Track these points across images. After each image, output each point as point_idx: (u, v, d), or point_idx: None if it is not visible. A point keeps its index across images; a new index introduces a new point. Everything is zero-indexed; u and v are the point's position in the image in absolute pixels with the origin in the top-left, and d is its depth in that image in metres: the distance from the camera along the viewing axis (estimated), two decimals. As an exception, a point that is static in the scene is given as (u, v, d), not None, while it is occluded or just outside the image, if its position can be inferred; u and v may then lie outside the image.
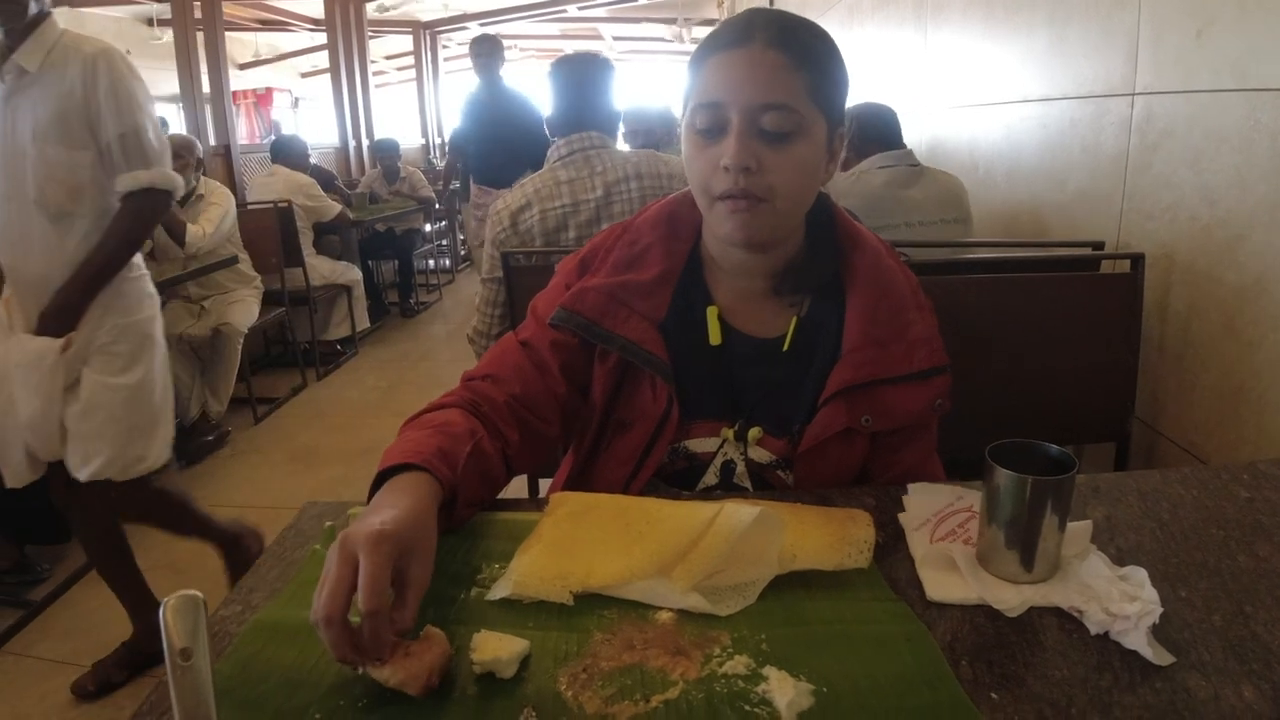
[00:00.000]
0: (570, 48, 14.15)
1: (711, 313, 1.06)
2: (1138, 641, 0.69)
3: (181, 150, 3.75)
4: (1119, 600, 0.73)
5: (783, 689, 0.64)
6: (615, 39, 13.64)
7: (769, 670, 0.67)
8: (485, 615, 0.75)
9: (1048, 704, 0.64)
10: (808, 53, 0.93)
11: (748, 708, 0.63)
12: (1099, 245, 1.89)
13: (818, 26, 0.98)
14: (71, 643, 2.40)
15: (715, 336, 1.05)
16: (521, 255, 1.93)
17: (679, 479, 1.08)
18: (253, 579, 0.84)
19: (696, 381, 1.05)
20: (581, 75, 2.14)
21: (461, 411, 0.98)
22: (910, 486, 0.89)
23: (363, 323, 5.49)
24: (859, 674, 0.67)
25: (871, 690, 0.65)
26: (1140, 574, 0.76)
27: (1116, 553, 0.84)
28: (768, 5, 5.91)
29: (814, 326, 1.06)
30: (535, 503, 0.98)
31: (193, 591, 0.43)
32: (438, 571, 0.82)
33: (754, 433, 1.05)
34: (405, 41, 10.88)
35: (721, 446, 1.06)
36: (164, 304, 3.76)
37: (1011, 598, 0.75)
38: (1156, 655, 0.68)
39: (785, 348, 1.05)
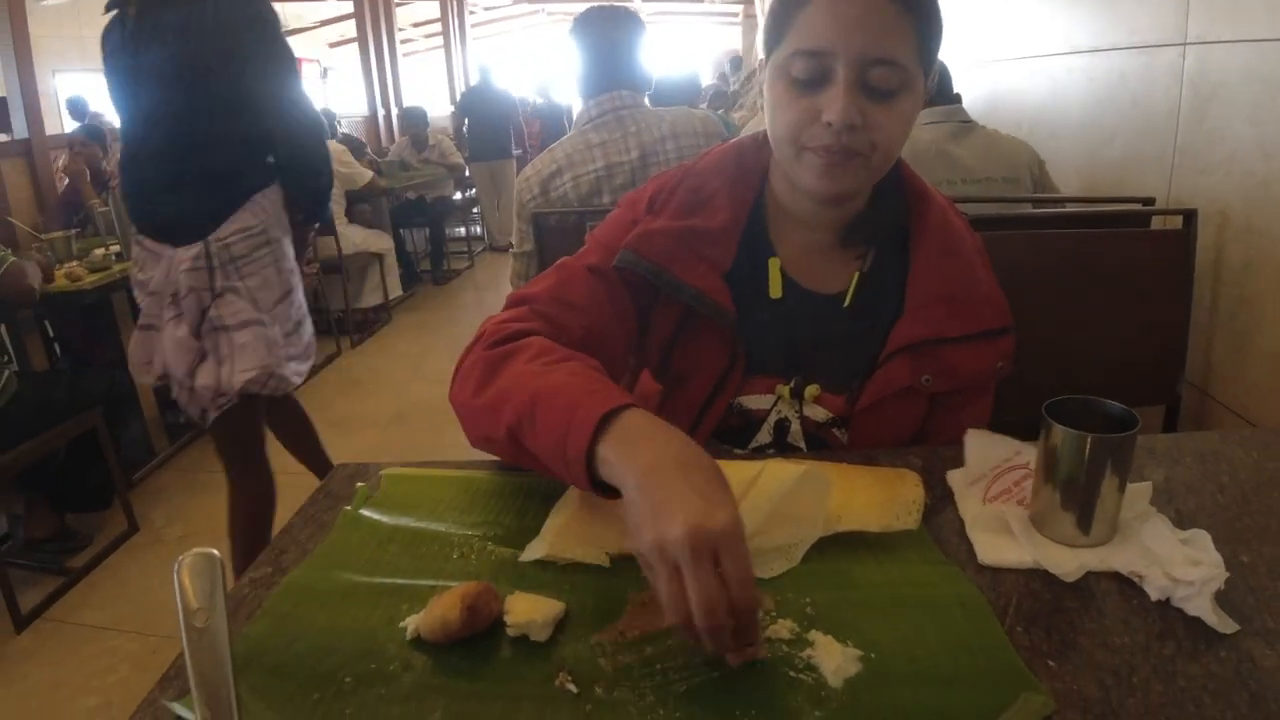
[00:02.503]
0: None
1: (773, 264, 1.01)
2: (1201, 608, 0.66)
3: None
4: (1182, 565, 0.69)
5: (829, 654, 0.62)
6: (644, 0, 13.47)
7: (814, 635, 0.64)
8: (522, 577, 0.73)
9: (1109, 672, 0.61)
10: (920, 1, 0.87)
11: (793, 673, 0.61)
12: (1149, 201, 1.83)
13: None
14: (112, 609, 2.45)
15: (776, 289, 1.01)
16: (555, 216, 1.89)
17: (731, 437, 1.05)
18: (284, 540, 0.82)
19: (755, 335, 1.01)
20: (610, 31, 2.03)
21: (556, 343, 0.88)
22: (971, 432, 0.85)
23: (395, 290, 5.52)
24: (910, 640, 0.64)
25: (924, 657, 0.62)
26: (1204, 538, 0.73)
27: (1175, 516, 0.80)
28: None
29: (877, 281, 1.02)
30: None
31: (210, 550, 0.41)
32: (470, 536, 0.80)
33: (811, 390, 1.01)
34: (432, 8, 10.80)
35: (776, 404, 1.03)
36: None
37: (1068, 561, 0.72)
38: (1220, 623, 0.65)
39: (847, 303, 1.02)
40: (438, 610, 0.64)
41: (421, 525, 0.82)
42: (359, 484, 0.90)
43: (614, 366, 1.00)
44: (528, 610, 0.65)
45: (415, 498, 0.88)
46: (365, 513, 0.85)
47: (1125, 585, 0.71)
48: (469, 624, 0.64)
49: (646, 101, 2.05)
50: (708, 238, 0.99)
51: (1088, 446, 0.72)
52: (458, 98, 10.26)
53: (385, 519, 0.84)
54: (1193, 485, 0.87)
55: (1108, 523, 0.75)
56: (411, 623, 0.66)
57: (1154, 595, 0.69)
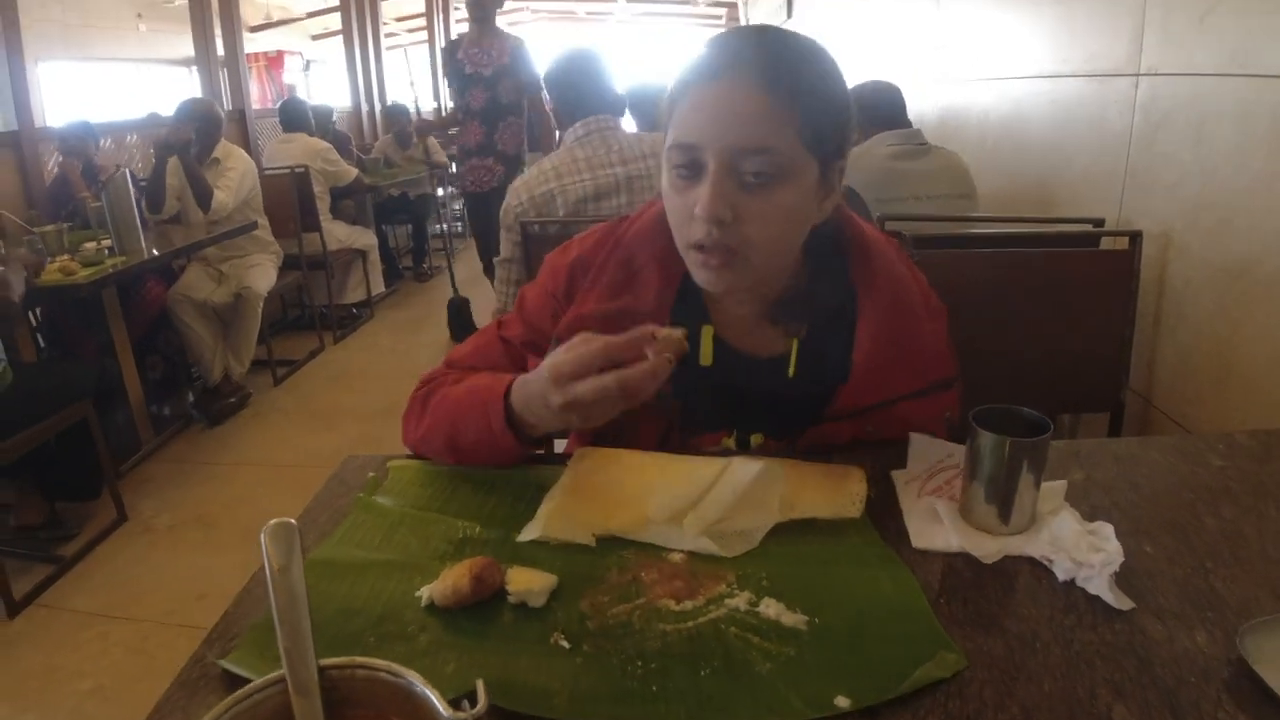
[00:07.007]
0: (582, 10, 14.03)
1: (706, 333, 1.02)
2: (1100, 587, 0.76)
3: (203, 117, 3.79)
4: (1085, 551, 0.80)
5: (780, 618, 0.73)
6: (628, 1, 13.52)
7: (768, 602, 0.75)
8: (519, 554, 0.84)
9: (1015, 638, 0.72)
10: (798, 87, 0.84)
11: (749, 633, 0.72)
12: (1099, 222, 1.95)
13: (813, 47, 0.89)
14: (103, 596, 2.49)
15: (707, 358, 1.03)
16: (538, 225, 1.99)
17: None
18: (303, 522, 0.92)
19: (697, 400, 1.02)
20: (573, 74, 2.31)
21: None
22: (913, 436, 0.97)
23: (378, 287, 5.58)
24: (848, 608, 0.75)
25: (858, 621, 0.73)
26: (1107, 528, 0.83)
27: (1090, 510, 0.89)
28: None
29: (819, 344, 1.02)
30: (558, 457, 1.06)
31: (288, 520, 0.51)
32: (472, 519, 0.91)
33: (755, 438, 1.06)
34: (417, 3, 10.80)
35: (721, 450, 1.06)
36: (184, 268, 3.87)
37: (988, 545, 0.83)
38: (1117, 600, 0.75)
39: (791, 373, 1.02)
40: (450, 580, 0.75)
41: (427, 511, 0.93)
42: (370, 473, 1.00)
43: None
44: (526, 581, 0.76)
45: (419, 486, 0.98)
46: (377, 499, 0.95)
47: (1038, 569, 0.81)
48: (477, 591, 0.74)
49: (623, 124, 2.32)
50: (638, 319, 0.93)
51: (1007, 448, 0.83)
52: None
53: (394, 505, 0.94)
54: (1109, 484, 0.97)
55: (1025, 514, 0.85)
56: (426, 591, 0.76)
57: (1061, 576, 0.79)
